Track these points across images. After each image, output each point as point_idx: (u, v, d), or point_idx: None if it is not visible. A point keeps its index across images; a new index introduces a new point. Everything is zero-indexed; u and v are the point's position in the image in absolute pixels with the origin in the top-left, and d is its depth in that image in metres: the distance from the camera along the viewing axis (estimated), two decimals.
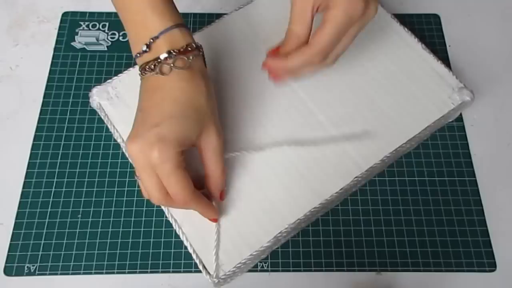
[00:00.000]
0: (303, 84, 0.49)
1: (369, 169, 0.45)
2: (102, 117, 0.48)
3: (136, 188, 0.48)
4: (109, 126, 0.47)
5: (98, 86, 0.48)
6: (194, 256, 0.41)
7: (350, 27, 0.39)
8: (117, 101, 0.48)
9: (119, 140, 0.46)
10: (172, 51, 0.37)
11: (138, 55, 0.38)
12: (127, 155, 0.47)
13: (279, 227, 0.42)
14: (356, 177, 0.44)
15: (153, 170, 0.35)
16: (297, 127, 0.47)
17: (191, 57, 0.38)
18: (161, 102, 0.37)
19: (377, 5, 0.40)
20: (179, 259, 0.45)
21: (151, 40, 0.37)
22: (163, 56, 0.37)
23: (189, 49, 0.38)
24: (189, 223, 0.42)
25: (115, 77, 0.49)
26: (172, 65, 0.37)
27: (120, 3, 0.39)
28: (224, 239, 0.42)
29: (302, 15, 0.40)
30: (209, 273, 0.41)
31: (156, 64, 0.37)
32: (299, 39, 0.41)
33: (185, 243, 0.42)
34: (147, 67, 0.37)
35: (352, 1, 0.38)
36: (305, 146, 0.46)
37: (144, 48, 0.37)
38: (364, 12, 0.39)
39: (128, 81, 0.49)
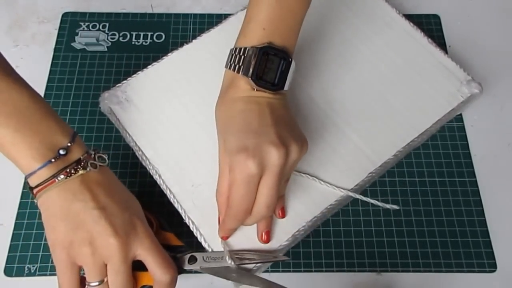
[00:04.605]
0: (313, 83, 0.49)
1: (382, 165, 0.45)
2: (113, 122, 0.48)
3: (137, 189, 0.48)
4: (120, 130, 0.47)
5: (108, 91, 0.48)
6: None
7: (259, 179, 0.36)
8: (128, 105, 0.48)
9: (131, 144, 0.46)
10: (88, 151, 0.37)
11: (53, 160, 0.35)
12: None
13: (296, 225, 0.42)
14: (370, 172, 0.45)
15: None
16: (308, 126, 0.47)
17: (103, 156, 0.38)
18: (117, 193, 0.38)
19: (298, 146, 0.37)
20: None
21: (69, 144, 0.36)
22: (90, 152, 0.37)
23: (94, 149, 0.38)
24: (207, 225, 0.42)
25: (124, 81, 0.49)
26: (96, 161, 0.37)
27: (14, 115, 0.35)
28: (244, 240, 0.42)
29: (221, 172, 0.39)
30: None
31: (80, 165, 0.36)
32: (221, 197, 0.39)
33: (203, 244, 0.42)
34: (67, 170, 0.35)
35: (249, 157, 0.35)
36: (318, 145, 0.46)
37: (63, 152, 0.36)
38: (274, 161, 0.35)
39: (138, 85, 0.49)
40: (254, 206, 0.37)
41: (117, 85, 0.49)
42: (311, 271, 0.45)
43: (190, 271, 0.41)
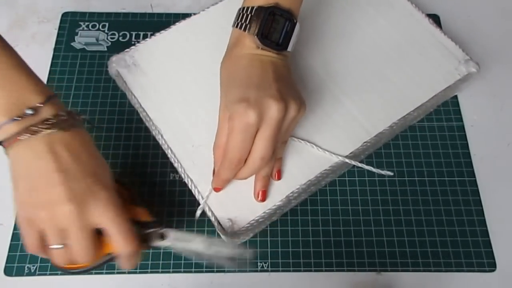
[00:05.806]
0: (314, 54, 0.51)
1: (377, 135, 0.46)
2: (120, 85, 0.50)
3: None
4: (126, 93, 0.49)
5: (117, 55, 0.50)
6: (209, 214, 0.43)
7: (256, 130, 0.37)
8: (135, 69, 0.50)
9: (136, 106, 0.48)
10: (60, 113, 0.36)
11: (18, 118, 0.34)
12: None
13: (291, 187, 0.44)
14: (365, 142, 0.46)
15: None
16: (308, 94, 0.48)
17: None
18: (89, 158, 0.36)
19: (297, 104, 0.38)
20: (179, 259, 0.45)
21: (40, 104, 0.35)
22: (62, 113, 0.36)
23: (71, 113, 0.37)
24: (205, 183, 0.43)
25: (133, 47, 0.51)
26: (70, 122, 0.36)
27: None
28: (239, 198, 0.43)
29: (219, 127, 0.41)
30: (223, 229, 0.42)
31: (47, 125, 0.34)
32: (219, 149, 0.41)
33: (200, 201, 0.43)
34: (31, 129, 0.34)
35: (249, 107, 0.36)
36: (316, 112, 0.47)
37: (29, 111, 0.34)
38: (273, 113, 0.37)
39: (145, 50, 0.51)
40: (249, 157, 0.38)
41: (125, 50, 0.51)
42: (311, 271, 0.45)
43: (158, 248, 0.39)
